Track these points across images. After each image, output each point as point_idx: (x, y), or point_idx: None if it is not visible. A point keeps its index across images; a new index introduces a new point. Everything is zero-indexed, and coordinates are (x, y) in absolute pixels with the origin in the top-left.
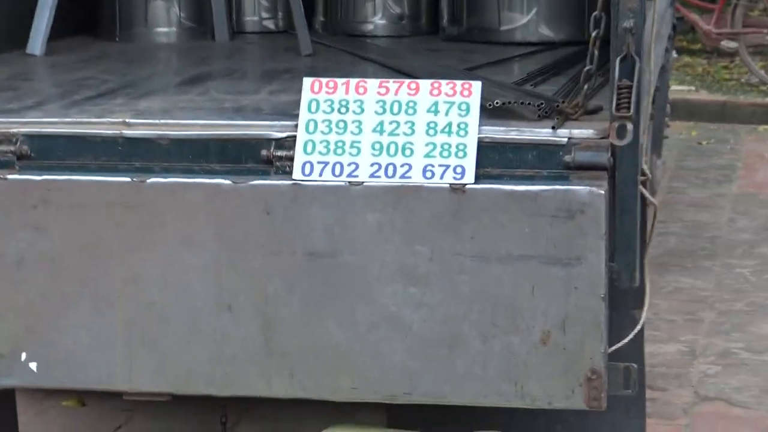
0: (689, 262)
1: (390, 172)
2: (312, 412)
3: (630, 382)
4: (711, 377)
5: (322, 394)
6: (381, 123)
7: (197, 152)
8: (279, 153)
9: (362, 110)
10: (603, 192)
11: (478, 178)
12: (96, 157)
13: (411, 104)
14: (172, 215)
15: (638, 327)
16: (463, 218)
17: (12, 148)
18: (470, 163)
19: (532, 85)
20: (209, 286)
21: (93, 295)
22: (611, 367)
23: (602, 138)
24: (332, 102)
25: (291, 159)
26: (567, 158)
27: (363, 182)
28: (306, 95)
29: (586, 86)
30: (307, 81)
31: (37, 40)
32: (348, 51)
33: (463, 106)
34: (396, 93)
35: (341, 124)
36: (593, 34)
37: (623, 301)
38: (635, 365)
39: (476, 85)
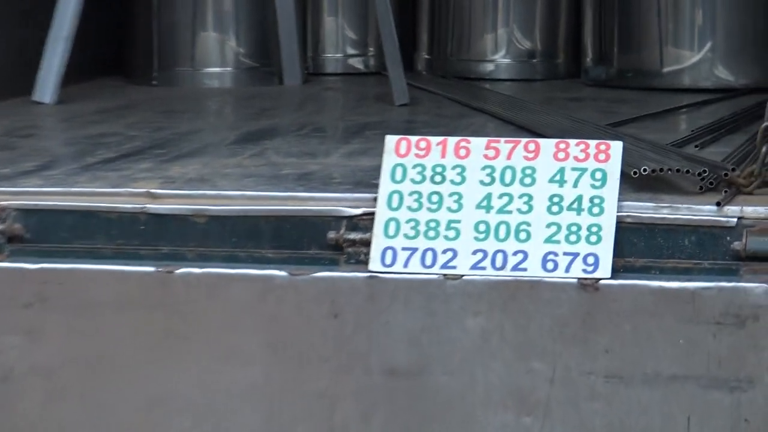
0: None
1: (499, 262)
2: None
3: None
4: None
5: None
6: (488, 197)
7: (243, 234)
8: (352, 236)
9: (463, 179)
10: None
11: (617, 272)
12: (111, 239)
13: (529, 172)
14: (210, 318)
15: None
16: (595, 325)
17: (1, 227)
18: (606, 250)
19: (697, 147)
20: (258, 412)
21: (102, 424)
22: None
23: None
24: (423, 168)
25: (368, 244)
26: (737, 245)
27: (463, 276)
28: (389, 159)
29: (765, 148)
30: (390, 140)
31: (47, 84)
32: (457, 100)
33: (598, 175)
34: (509, 156)
35: (435, 198)
36: None
37: None
38: None
39: (616, 147)
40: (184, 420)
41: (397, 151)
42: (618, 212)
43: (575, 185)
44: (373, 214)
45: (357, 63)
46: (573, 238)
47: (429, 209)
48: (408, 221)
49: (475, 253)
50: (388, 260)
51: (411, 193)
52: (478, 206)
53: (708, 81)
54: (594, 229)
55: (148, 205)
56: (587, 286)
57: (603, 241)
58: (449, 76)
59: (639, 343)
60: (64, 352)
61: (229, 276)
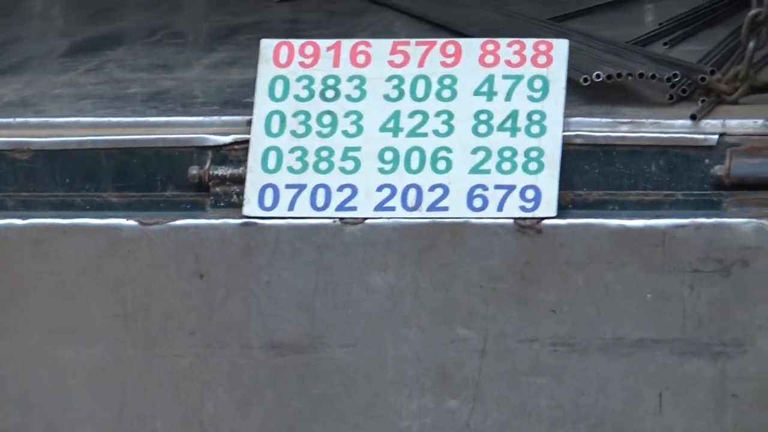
0: None
1: (411, 200)
2: None
3: None
4: None
5: None
6: (395, 116)
7: (79, 173)
8: (220, 171)
9: (363, 94)
10: None
11: (564, 209)
12: None
13: (447, 82)
14: (39, 281)
15: None
16: (538, 279)
17: None
18: (550, 182)
19: (666, 45)
20: (107, 399)
21: None
22: None
23: None
24: (311, 80)
25: (241, 181)
26: (718, 170)
27: (365, 219)
28: (267, 70)
29: (751, 44)
30: (267, 45)
31: None
32: None
33: (538, 83)
34: (421, 63)
35: (327, 119)
36: None
37: None
38: None
39: (560, 47)
40: (8, 411)
41: (277, 59)
42: (564, 131)
43: (508, 98)
44: (247, 142)
45: None
46: (506, 166)
47: (319, 134)
48: (292, 150)
49: (380, 189)
50: (267, 202)
51: (296, 114)
52: (383, 128)
53: None
54: (533, 154)
55: None
56: (527, 228)
57: (546, 169)
58: None
59: (595, 301)
60: None
61: (61, 228)
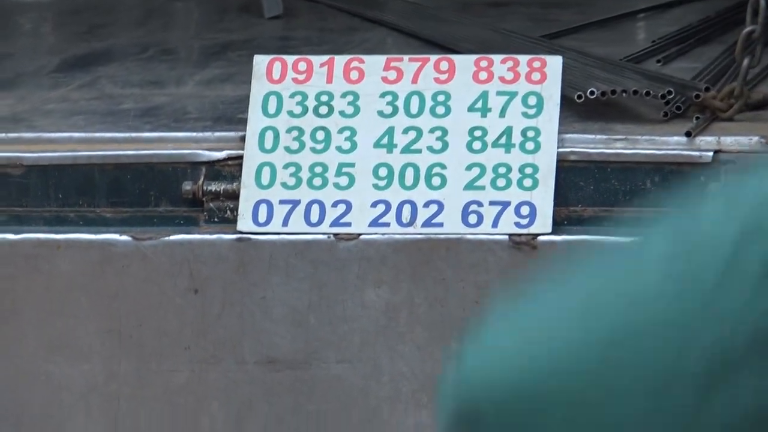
0: None
1: (406, 216)
2: None
3: None
4: None
5: None
6: (389, 132)
7: (73, 188)
8: (213, 187)
9: (357, 110)
10: None
11: (559, 225)
12: None
13: (441, 98)
14: (31, 298)
15: None
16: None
17: None
18: (545, 198)
19: (659, 62)
20: (100, 417)
21: None
22: None
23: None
24: (305, 97)
25: (235, 197)
26: (714, 187)
27: (360, 235)
28: (260, 86)
29: (746, 61)
30: (260, 61)
31: None
32: (346, 9)
33: (532, 100)
34: (415, 79)
35: (320, 135)
36: None
37: None
38: None
39: (554, 63)
40: (2, 428)
41: (270, 75)
42: (559, 148)
43: (502, 114)
44: (240, 158)
45: None
46: (501, 182)
47: (313, 150)
48: (286, 166)
49: (374, 205)
50: (262, 217)
51: (289, 130)
52: (377, 144)
53: None
54: (528, 170)
55: None
56: (521, 244)
57: (540, 185)
58: None
59: None
60: None
61: (54, 243)
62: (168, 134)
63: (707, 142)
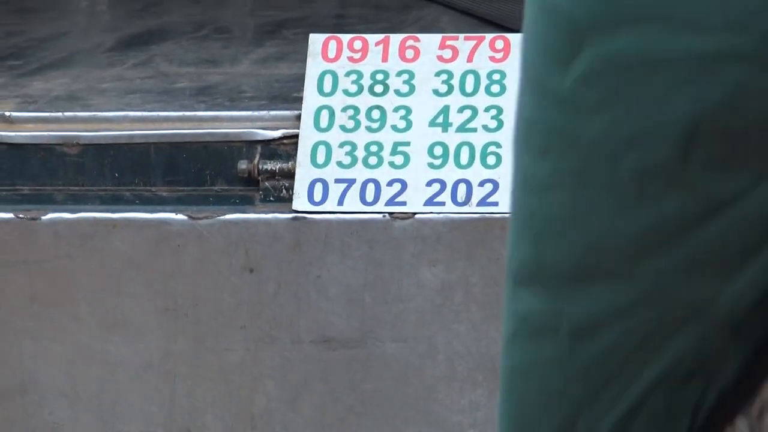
0: None
1: (461, 195)
2: None
3: None
4: None
5: None
6: (445, 111)
7: (129, 167)
8: (269, 166)
9: (412, 89)
10: None
11: None
12: None
13: (497, 77)
14: (88, 274)
15: None
16: None
17: None
18: None
19: None
20: (157, 395)
21: None
22: None
23: None
24: (360, 75)
25: (291, 176)
26: None
27: (415, 214)
28: (315, 65)
29: None
30: (316, 40)
31: None
32: None
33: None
34: (470, 58)
35: (376, 114)
36: None
37: None
38: None
39: None
40: (59, 405)
41: (325, 54)
42: None
43: None
44: (296, 136)
45: None
46: None
47: (368, 129)
48: (342, 145)
49: (429, 184)
50: (317, 196)
51: (344, 109)
52: (432, 123)
53: None
54: None
55: (2, 133)
56: None
57: None
58: None
59: None
60: None
61: (110, 222)
62: (223, 113)
63: None
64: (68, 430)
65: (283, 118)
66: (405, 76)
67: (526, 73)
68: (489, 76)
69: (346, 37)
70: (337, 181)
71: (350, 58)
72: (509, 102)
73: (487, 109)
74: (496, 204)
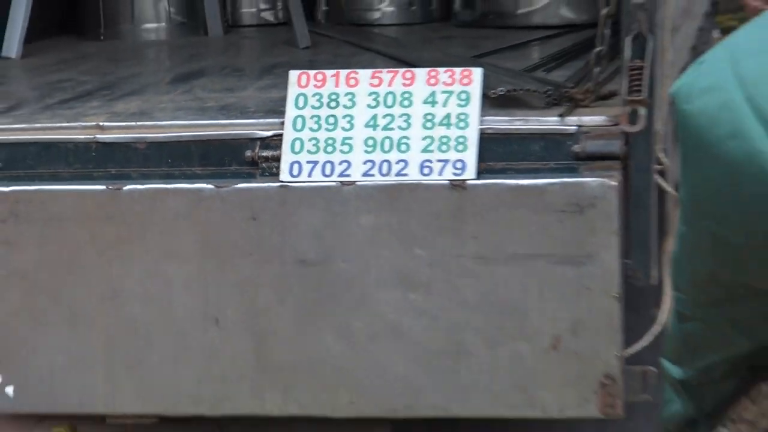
0: None
1: (384, 169)
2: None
3: (648, 387)
4: None
5: (320, 410)
6: (374, 117)
7: (177, 156)
8: (265, 153)
9: (353, 104)
10: (615, 183)
11: (480, 173)
12: (69, 164)
13: (406, 96)
14: (152, 225)
15: (657, 328)
16: (464, 217)
17: None
18: (471, 156)
19: (544, 71)
20: (194, 299)
21: (70, 313)
22: (628, 371)
23: (614, 125)
24: (321, 96)
25: (278, 159)
26: (576, 148)
27: (355, 181)
28: (293, 90)
29: (596, 69)
30: (293, 74)
31: (12, 42)
32: (350, 42)
33: (463, 96)
34: (390, 84)
35: (331, 120)
36: (603, 12)
37: (641, 300)
38: (654, 369)
39: (477, 73)
40: (135, 308)
41: (299, 83)
42: (480, 126)
43: (445, 105)
44: (281, 135)
45: (268, 15)
46: (444, 147)
47: (327, 129)
48: (310, 140)
49: (365, 163)
50: (295, 172)
51: (312, 117)
52: (367, 125)
53: (555, 19)
54: (461, 140)
55: (98, 136)
56: (457, 186)
57: (468, 149)
58: (344, 23)
59: (500, 230)
60: (36, 258)
61: (166, 190)
62: (236, 121)
63: (572, 120)
64: None
65: (273, 124)
66: (349, 96)
67: None
68: (402, 95)
69: (312, 72)
70: (308, 162)
71: (315, 86)
72: (414, 111)
73: (401, 116)
74: (406, 175)
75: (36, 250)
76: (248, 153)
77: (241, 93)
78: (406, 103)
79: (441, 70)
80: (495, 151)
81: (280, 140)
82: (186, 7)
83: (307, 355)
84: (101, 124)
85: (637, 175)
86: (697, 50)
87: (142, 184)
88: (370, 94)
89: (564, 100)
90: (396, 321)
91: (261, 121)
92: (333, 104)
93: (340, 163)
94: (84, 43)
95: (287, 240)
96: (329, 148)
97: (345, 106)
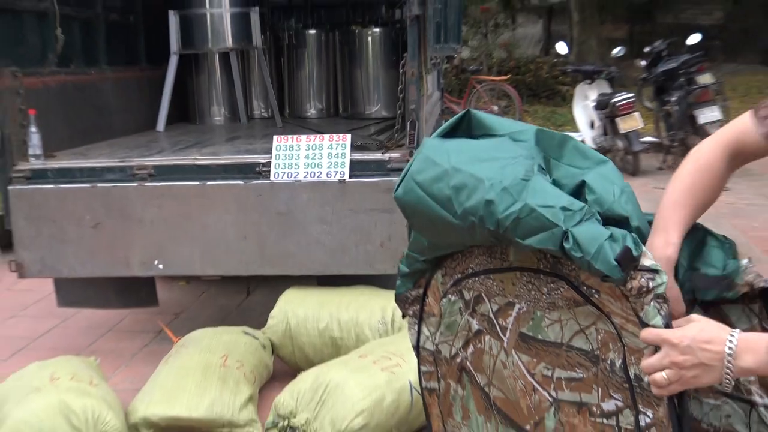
0: None
1: (313, 175)
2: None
3: None
4: None
5: (285, 271)
6: (308, 155)
7: (227, 170)
8: (264, 168)
9: (298, 148)
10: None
11: (352, 176)
12: (184, 174)
13: (320, 146)
14: (219, 198)
15: None
16: (345, 194)
17: (147, 171)
18: (347, 169)
19: (376, 135)
20: (234, 226)
21: (188, 226)
22: None
23: (404, 157)
24: (287, 146)
25: (269, 170)
26: (389, 165)
27: (301, 180)
28: (275, 143)
29: (396, 135)
30: (275, 137)
31: (161, 123)
32: (298, 125)
33: (343, 146)
34: (315, 141)
35: (291, 155)
36: (398, 111)
37: None
38: None
39: (348, 136)
40: (213, 230)
41: (278, 140)
42: (351, 157)
43: (336, 149)
44: (270, 161)
45: (264, 113)
46: (336, 166)
47: (288, 158)
48: (283, 163)
49: (305, 173)
50: (277, 176)
51: (283, 153)
52: (306, 158)
53: (379, 114)
54: (342, 163)
55: (196, 161)
56: (342, 182)
57: (346, 166)
58: (295, 117)
59: (361, 199)
60: (171, 209)
61: (223, 185)
62: (250, 156)
63: (387, 155)
64: None
65: (267, 156)
66: (298, 146)
67: None
68: (321, 144)
69: (283, 136)
70: (281, 172)
71: (284, 141)
72: (324, 153)
73: (320, 153)
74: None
75: (171, 207)
76: (257, 168)
77: (252, 144)
78: (319, 148)
79: (336, 135)
80: (357, 167)
81: (270, 163)
82: (232, 108)
83: (280, 249)
84: (197, 157)
85: None
86: (436, 126)
87: (214, 181)
88: (307, 145)
89: (384, 147)
90: (317, 236)
91: (262, 156)
92: (291, 149)
93: (295, 173)
94: (189, 125)
95: (273, 204)
96: (290, 166)
97: (295, 149)
